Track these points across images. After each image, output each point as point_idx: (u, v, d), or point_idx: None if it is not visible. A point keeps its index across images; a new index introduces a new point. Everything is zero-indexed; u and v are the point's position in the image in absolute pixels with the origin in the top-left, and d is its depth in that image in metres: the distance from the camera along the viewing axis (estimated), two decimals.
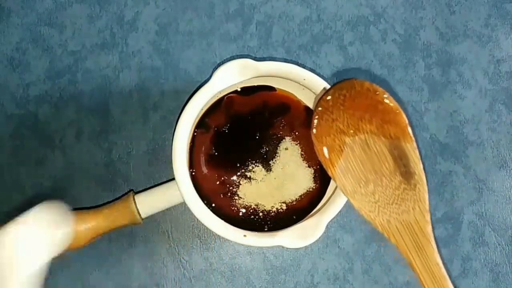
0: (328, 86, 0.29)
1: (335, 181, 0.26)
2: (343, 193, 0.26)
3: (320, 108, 0.27)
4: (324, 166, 0.26)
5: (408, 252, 0.25)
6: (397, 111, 0.26)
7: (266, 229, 0.30)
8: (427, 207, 0.26)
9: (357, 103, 0.26)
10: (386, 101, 0.26)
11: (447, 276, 0.25)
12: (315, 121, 0.26)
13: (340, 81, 0.27)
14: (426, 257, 0.25)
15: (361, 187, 0.26)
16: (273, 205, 0.32)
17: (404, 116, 0.26)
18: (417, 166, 0.26)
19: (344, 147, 0.26)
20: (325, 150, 0.26)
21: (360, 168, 0.26)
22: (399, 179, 0.26)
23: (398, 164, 0.26)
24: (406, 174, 0.26)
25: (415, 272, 0.25)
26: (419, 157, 0.26)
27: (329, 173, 0.26)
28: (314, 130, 0.27)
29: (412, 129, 0.26)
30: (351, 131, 0.26)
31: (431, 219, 0.26)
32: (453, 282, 0.35)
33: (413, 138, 0.26)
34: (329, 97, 0.26)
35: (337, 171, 0.26)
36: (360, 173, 0.26)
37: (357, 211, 0.26)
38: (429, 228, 0.25)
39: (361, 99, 0.26)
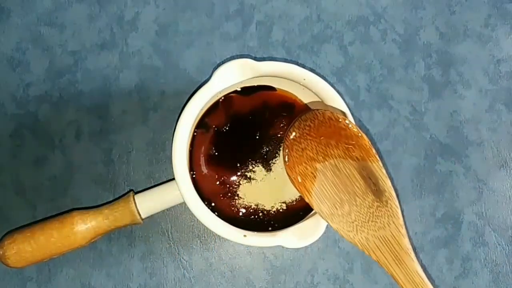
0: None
1: (312, 206, 0.27)
2: (321, 216, 0.27)
3: (289, 141, 0.28)
4: (301, 194, 0.28)
5: (389, 266, 0.26)
6: (359, 135, 0.27)
7: (266, 229, 0.30)
8: (401, 222, 0.27)
9: (322, 131, 0.28)
10: (349, 127, 0.27)
11: (429, 283, 0.26)
12: (286, 152, 0.28)
13: (304, 113, 0.28)
14: (407, 268, 0.26)
15: (337, 208, 0.27)
16: (273, 205, 0.32)
17: (366, 138, 0.27)
18: (386, 184, 0.27)
19: (316, 173, 0.27)
20: (299, 178, 0.28)
21: (334, 191, 0.27)
22: (371, 197, 0.27)
23: (368, 183, 0.27)
24: (377, 192, 0.27)
25: (398, 284, 0.27)
26: (386, 174, 0.27)
27: (306, 200, 0.28)
28: (287, 161, 0.28)
29: (376, 150, 0.27)
30: (321, 157, 0.27)
31: (407, 232, 0.27)
32: (453, 282, 0.35)
33: (377, 158, 0.27)
34: (295, 131, 0.28)
35: (313, 197, 0.27)
36: (335, 195, 0.27)
37: (337, 232, 0.27)
38: (405, 241, 0.27)
39: (325, 127, 0.28)
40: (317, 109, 0.28)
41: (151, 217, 0.32)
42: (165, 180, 0.34)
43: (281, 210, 0.31)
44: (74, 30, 0.36)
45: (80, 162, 0.35)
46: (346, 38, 0.37)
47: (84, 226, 0.30)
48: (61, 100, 0.35)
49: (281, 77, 0.30)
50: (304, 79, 0.30)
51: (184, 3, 0.36)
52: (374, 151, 0.27)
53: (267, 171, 0.32)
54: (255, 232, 0.29)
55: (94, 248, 0.34)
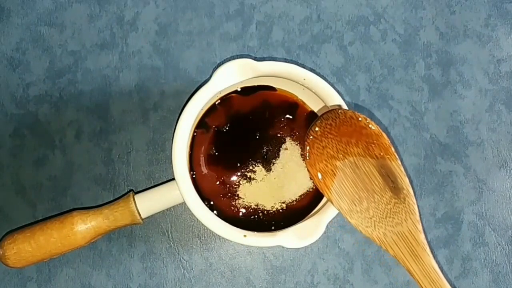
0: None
1: (332, 203, 0.28)
2: (341, 212, 0.28)
3: (310, 138, 0.29)
4: (321, 190, 0.29)
5: (405, 261, 0.27)
6: (379, 134, 0.28)
7: (266, 229, 0.30)
8: (418, 218, 0.28)
9: (343, 130, 0.29)
10: (369, 126, 0.28)
11: (444, 280, 0.27)
12: (307, 150, 0.29)
13: (326, 112, 0.29)
14: (423, 264, 0.27)
15: (356, 205, 0.28)
16: (273, 205, 0.32)
17: (385, 137, 0.28)
18: (404, 181, 0.28)
19: (336, 171, 0.28)
20: (319, 175, 0.29)
21: (353, 188, 0.28)
22: (389, 194, 0.28)
23: (386, 181, 0.28)
24: (395, 189, 0.28)
25: (414, 279, 0.27)
26: (404, 172, 0.28)
27: (326, 197, 0.29)
28: (308, 158, 0.29)
29: (395, 148, 0.28)
30: (341, 155, 0.28)
31: (423, 228, 0.28)
32: (453, 282, 0.35)
33: (397, 156, 0.28)
34: (317, 128, 0.29)
35: (333, 194, 0.28)
36: (354, 192, 0.28)
37: (355, 227, 0.28)
38: (422, 236, 0.27)
39: (346, 126, 0.29)
40: (339, 109, 0.29)
41: (151, 217, 0.32)
42: (165, 180, 0.34)
43: (281, 210, 0.31)
44: (74, 30, 0.36)
45: (80, 162, 0.35)
46: (346, 38, 0.37)
47: (84, 226, 0.30)
48: (61, 100, 0.35)
49: (281, 77, 0.30)
50: (304, 79, 0.30)
51: (184, 3, 0.36)
52: (393, 149, 0.28)
53: (267, 171, 0.32)
54: (255, 232, 0.29)
55: (94, 248, 0.34)
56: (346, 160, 0.28)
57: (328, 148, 0.29)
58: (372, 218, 0.28)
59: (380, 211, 0.28)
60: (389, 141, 0.28)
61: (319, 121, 0.29)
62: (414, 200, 0.28)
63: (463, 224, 0.35)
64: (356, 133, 0.28)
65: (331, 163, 0.28)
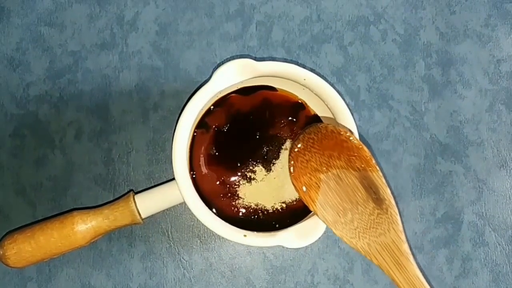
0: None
1: (317, 215, 0.29)
2: (326, 224, 0.29)
3: (294, 151, 0.30)
4: (306, 203, 0.29)
5: (390, 270, 0.28)
6: (360, 147, 0.29)
7: (266, 229, 0.30)
8: (401, 228, 0.28)
9: (325, 144, 0.29)
10: (350, 139, 0.29)
11: (428, 286, 0.28)
12: (291, 164, 0.30)
13: (308, 126, 0.30)
14: (407, 272, 0.28)
15: (340, 216, 0.29)
16: (273, 205, 0.32)
17: (366, 150, 0.29)
18: (386, 192, 0.28)
19: (320, 183, 0.29)
20: (304, 188, 0.29)
21: (337, 200, 0.29)
22: (372, 205, 0.28)
23: (369, 192, 0.29)
24: (378, 200, 0.28)
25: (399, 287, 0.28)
26: (385, 183, 0.28)
27: (311, 208, 0.29)
28: (292, 172, 0.29)
29: (375, 160, 0.29)
30: (324, 168, 0.29)
31: (406, 238, 0.28)
32: (453, 282, 0.35)
33: (377, 168, 0.29)
34: (300, 143, 0.30)
35: (318, 206, 0.29)
36: (338, 204, 0.29)
37: (340, 238, 0.28)
38: (405, 246, 0.28)
39: (328, 140, 0.29)
40: (320, 123, 0.30)
41: (151, 217, 0.32)
42: (165, 180, 0.34)
43: (281, 210, 0.31)
44: (74, 30, 0.36)
45: (80, 162, 0.35)
46: (346, 38, 0.37)
47: (84, 226, 0.30)
48: (61, 100, 0.35)
49: (281, 77, 0.30)
50: (304, 79, 0.30)
51: (184, 3, 0.36)
52: (374, 161, 0.29)
53: (267, 171, 0.32)
54: (255, 232, 0.29)
55: (94, 248, 0.34)
56: (329, 173, 0.29)
57: (312, 162, 0.29)
58: (357, 229, 0.28)
59: (364, 222, 0.28)
60: (369, 154, 0.29)
61: (301, 136, 0.30)
62: (397, 211, 0.28)
63: (463, 224, 0.35)
64: (338, 146, 0.29)
65: (315, 176, 0.29)
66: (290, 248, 0.29)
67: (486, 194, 0.36)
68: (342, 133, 0.29)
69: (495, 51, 0.37)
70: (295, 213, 0.31)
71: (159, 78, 0.35)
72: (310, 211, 0.31)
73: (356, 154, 0.29)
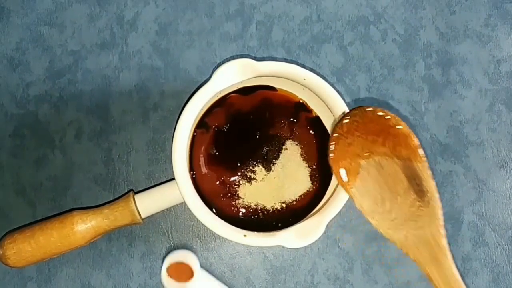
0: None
1: (354, 202, 0.27)
2: (362, 213, 0.27)
3: (336, 134, 0.28)
4: (343, 188, 0.28)
5: (426, 265, 0.26)
6: (408, 134, 0.27)
7: (266, 229, 0.30)
8: (442, 222, 0.27)
9: (370, 128, 0.28)
10: (398, 126, 0.27)
11: (464, 286, 0.26)
12: (332, 146, 0.28)
13: (353, 108, 0.28)
14: (443, 270, 0.26)
15: (378, 206, 0.27)
16: (273, 205, 0.32)
17: (415, 138, 0.27)
18: (430, 185, 0.27)
19: (360, 170, 0.27)
20: (342, 173, 0.28)
21: (376, 188, 0.27)
22: (413, 197, 0.27)
23: (411, 183, 0.27)
24: (420, 192, 0.27)
25: (433, 284, 0.26)
26: (431, 175, 0.27)
27: (348, 195, 0.28)
28: (331, 155, 0.28)
29: (424, 150, 0.27)
30: (366, 154, 0.27)
31: (446, 233, 0.27)
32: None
33: (424, 159, 0.27)
34: (344, 124, 0.28)
35: (355, 192, 0.27)
36: (377, 193, 0.27)
37: (376, 228, 0.27)
38: (444, 241, 0.26)
39: (373, 124, 0.27)
40: (367, 106, 0.28)
41: (151, 217, 0.32)
42: (165, 180, 0.34)
43: (281, 210, 0.31)
44: (74, 30, 0.36)
45: (80, 162, 0.35)
46: (346, 38, 0.37)
47: (84, 226, 0.30)
48: (61, 100, 0.35)
49: (281, 77, 0.30)
50: (304, 79, 0.30)
51: (184, 3, 0.36)
52: (421, 151, 0.27)
53: (267, 171, 0.32)
54: (255, 232, 0.29)
55: (94, 248, 0.34)
56: (371, 159, 0.27)
57: (353, 146, 0.28)
58: (394, 220, 0.27)
59: (403, 213, 0.27)
60: (417, 142, 0.27)
61: (346, 118, 0.28)
62: (440, 204, 0.27)
63: (463, 224, 0.35)
64: (383, 132, 0.27)
65: (355, 161, 0.27)
66: (290, 248, 0.29)
67: (486, 194, 0.36)
68: (389, 117, 0.27)
69: (495, 51, 0.37)
70: (295, 213, 0.31)
71: (159, 78, 0.35)
72: (310, 211, 0.31)
73: (402, 142, 0.27)
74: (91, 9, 0.36)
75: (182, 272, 0.23)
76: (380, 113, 0.28)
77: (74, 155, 0.35)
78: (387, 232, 0.27)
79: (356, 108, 0.28)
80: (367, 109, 0.28)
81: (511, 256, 0.35)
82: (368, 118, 0.28)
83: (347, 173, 0.28)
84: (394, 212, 0.27)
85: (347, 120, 0.28)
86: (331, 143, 0.28)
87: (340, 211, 0.29)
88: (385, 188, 0.27)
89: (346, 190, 0.28)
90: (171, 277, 0.23)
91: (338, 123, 0.28)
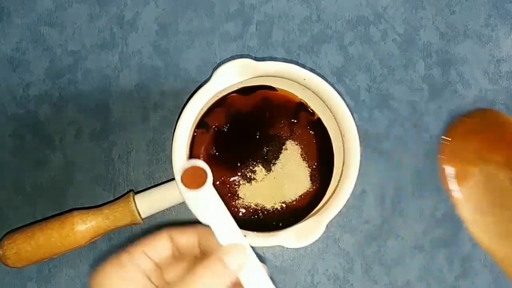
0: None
1: (455, 207, 0.26)
2: (462, 219, 0.26)
3: (450, 136, 0.27)
4: (446, 191, 0.27)
5: None
6: None
7: (266, 229, 0.30)
8: None
9: (488, 134, 0.26)
10: None
11: None
12: (444, 147, 0.27)
13: (474, 111, 0.27)
14: None
15: (481, 216, 0.26)
16: (273, 205, 0.32)
17: None
18: None
19: (467, 176, 0.26)
20: (449, 176, 0.27)
21: (482, 198, 0.26)
22: None
23: None
24: None
25: None
26: None
27: (451, 199, 0.27)
28: (443, 156, 0.27)
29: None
30: (478, 160, 0.26)
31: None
32: (453, 282, 0.35)
33: None
34: (460, 126, 0.27)
35: (459, 198, 0.26)
36: (482, 203, 0.26)
37: (474, 238, 0.26)
38: None
39: (494, 130, 0.26)
40: (490, 109, 0.27)
41: (151, 217, 0.32)
42: (165, 180, 0.34)
43: (281, 210, 0.31)
44: (74, 30, 0.36)
45: (80, 162, 0.35)
46: (346, 38, 0.37)
47: (84, 226, 0.30)
48: (61, 100, 0.35)
49: (281, 77, 0.30)
50: (304, 79, 0.30)
51: (184, 3, 0.36)
52: None
53: (267, 171, 0.32)
54: (255, 232, 0.29)
55: (94, 248, 0.34)
56: (482, 167, 0.26)
57: (467, 151, 0.27)
58: (497, 234, 0.25)
59: (508, 229, 0.25)
60: None
61: (464, 120, 0.27)
62: None
63: (463, 224, 0.35)
64: (502, 140, 0.26)
65: (465, 166, 0.26)
66: (290, 248, 0.29)
67: None
68: None
69: (495, 51, 0.37)
70: (295, 213, 0.31)
71: (159, 78, 0.35)
72: (310, 211, 0.31)
73: None
74: (91, 9, 0.36)
75: (196, 177, 0.23)
76: (505, 120, 0.26)
77: (74, 155, 0.35)
78: (486, 245, 0.25)
79: (480, 110, 0.27)
80: (491, 113, 0.26)
81: None
82: (488, 123, 0.26)
83: (455, 177, 0.26)
84: (498, 226, 0.26)
85: (465, 122, 0.27)
86: (444, 144, 0.27)
87: (340, 211, 0.29)
88: (491, 200, 0.26)
89: (450, 194, 0.26)
90: (185, 185, 0.23)
91: (454, 124, 0.27)
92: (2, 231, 0.32)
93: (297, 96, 0.33)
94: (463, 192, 0.26)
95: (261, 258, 0.35)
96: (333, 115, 0.30)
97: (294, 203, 0.32)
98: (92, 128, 0.35)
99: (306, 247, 0.35)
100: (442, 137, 0.26)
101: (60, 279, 0.34)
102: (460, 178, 0.26)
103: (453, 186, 0.26)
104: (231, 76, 0.29)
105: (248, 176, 0.31)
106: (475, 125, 0.26)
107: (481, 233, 0.26)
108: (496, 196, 0.26)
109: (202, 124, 0.32)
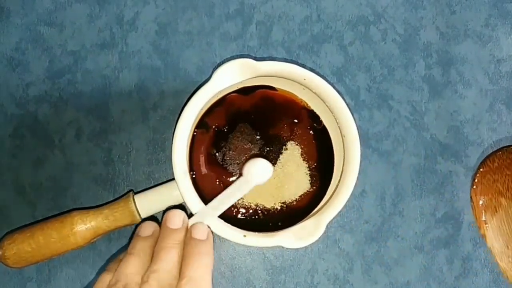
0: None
1: (485, 240, 0.27)
2: (491, 251, 0.27)
3: (484, 168, 0.28)
4: (477, 222, 0.28)
5: None
6: None
7: (266, 229, 0.30)
8: None
9: None
10: None
11: None
12: (477, 179, 0.28)
13: (509, 146, 0.28)
14: None
15: (509, 249, 0.27)
16: (273, 205, 0.31)
17: None
18: None
19: (499, 208, 0.27)
20: (481, 207, 0.27)
21: (511, 232, 0.27)
22: None
23: None
24: None
25: None
26: None
27: (481, 230, 0.27)
28: (475, 187, 0.28)
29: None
30: (509, 194, 0.27)
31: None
32: (453, 282, 0.35)
33: None
34: (495, 160, 0.28)
35: (489, 230, 0.27)
36: (511, 235, 0.27)
37: (503, 272, 0.27)
38: None
39: None
40: None
41: (151, 217, 0.32)
42: (165, 180, 0.34)
43: (281, 210, 0.31)
44: (74, 30, 0.36)
45: (80, 162, 0.35)
46: (346, 38, 0.37)
47: (84, 226, 0.30)
48: (61, 100, 0.35)
49: (281, 77, 0.30)
50: (304, 79, 0.30)
51: (184, 3, 0.36)
52: None
53: None
54: (255, 232, 0.29)
55: (94, 248, 0.34)
56: None
57: (499, 183, 0.28)
58: None
59: None
60: None
61: (500, 153, 0.28)
62: None
63: (463, 224, 0.35)
64: None
65: (497, 199, 0.27)
66: (290, 248, 0.29)
67: None
68: None
69: (495, 51, 0.37)
70: (295, 213, 0.31)
71: (158, 78, 0.35)
72: (310, 212, 0.31)
73: None
74: (91, 9, 0.36)
75: None
76: None
77: (74, 155, 0.35)
78: None
79: None
80: None
81: None
82: None
83: (485, 209, 0.27)
84: None
85: (501, 156, 0.28)
86: (476, 176, 0.28)
87: (340, 212, 0.29)
88: None
89: (480, 226, 0.27)
90: None
91: (490, 157, 0.28)
92: (2, 231, 0.32)
93: (297, 96, 0.33)
94: (493, 224, 0.27)
95: (261, 258, 0.35)
96: (333, 115, 0.30)
97: (294, 203, 0.32)
98: (92, 128, 0.35)
99: (306, 247, 0.35)
100: (479, 169, 0.28)
101: (60, 279, 0.34)
102: (492, 210, 0.27)
103: (484, 218, 0.26)
104: (231, 76, 0.29)
105: None
106: (509, 160, 0.28)
107: (509, 266, 0.26)
108: None
109: (202, 124, 0.32)
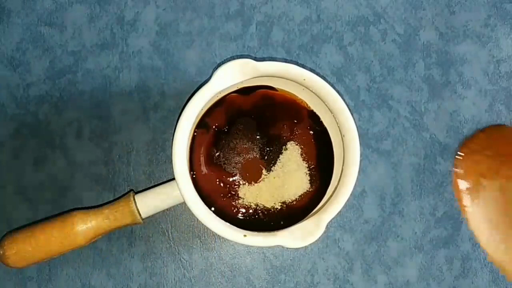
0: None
1: (467, 223, 0.26)
2: (474, 235, 0.26)
3: (465, 150, 0.27)
4: (460, 206, 0.27)
5: None
6: None
7: (266, 229, 0.30)
8: None
9: (503, 149, 0.26)
10: None
11: None
12: (459, 161, 0.27)
13: (491, 126, 0.27)
14: None
15: (494, 232, 0.26)
16: (273, 205, 0.32)
17: None
18: None
19: (481, 189, 0.26)
20: (463, 190, 0.27)
21: (495, 214, 0.26)
22: None
23: None
24: None
25: None
26: None
27: (463, 214, 0.27)
28: (458, 170, 0.27)
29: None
30: (491, 174, 0.26)
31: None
32: (453, 282, 0.35)
33: None
34: (476, 141, 0.27)
35: (471, 213, 0.26)
36: (495, 218, 0.26)
37: (488, 257, 0.26)
38: None
39: (507, 144, 0.26)
40: (503, 125, 0.27)
41: (151, 217, 0.32)
42: (165, 180, 0.34)
43: (281, 210, 0.31)
44: (74, 30, 0.36)
45: (80, 162, 0.35)
46: (346, 38, 0.37)
47: (84, 226, 0.30)
48: (61, 100, 0.35)
49: (281, 77, 0.30)
50: (304, 79, 0.30)
51: (184, 3, 0.36)
52: None
53: (267, 171, 0.32)
54: (255, 232, 0.29)
55: (94, 248, 0.34)
56: (495, 181, 0.26)
57: (481, 165, 0.27)
58: (509, 248, 0.25)
59: None
60: None
61: (480, 134, 0.27)
62: None
63: (463, 224, 0.35)
64: None
65: (478, 181, 0.26)
66: (290, 248, 0.29)
67: None
68: None
69: (495, 51, 0.37)
70: (295, 213, 0.31)
71: (159, 78, 0.36)
72: (310, 211, 0.31)
73: None
74: (91, 9, 0.36)
75: None
76: None
77: (74, 155, 0.35)
78: (500, 264, 0.26)
79: (495, 125, 0.27)
80: (506, 129, 0.27)
81: None
82: (504, 139, 0.26)
83: (467, 191, 0.27)
84: (510, 243, 0.26)
85: (481, 137, 0.27)
86: (459, 158, 0.27)
87: (340, 211, 0.29)
88: (503, 215, 0.26)
89: (462, 209, 0.26)
90: None
91: (470, 139, 0.27)
92: (2, 231, 0.32)
93: (297, 96, 0.33)
94: (476, 207, 0.26)
95: (261, 258, 0.35)
96: (333, 115, 0.30)
97: (294, 203, 0.32)
98: (92, 128, 0.35)
99: (306, 247, 0.35)
100: (458, 152, 0.26)
101: (60, 279, 0.34)
102: (473, 192, 0.26)
103: (467, 201, 0.26)
104: (231, 76, 0.29)
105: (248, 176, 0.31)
106: (489, 140, 0.27)
107: (494, 251, 0.25)
108: (508, 210, 0.26)
109: (202, 124, 0.32)
